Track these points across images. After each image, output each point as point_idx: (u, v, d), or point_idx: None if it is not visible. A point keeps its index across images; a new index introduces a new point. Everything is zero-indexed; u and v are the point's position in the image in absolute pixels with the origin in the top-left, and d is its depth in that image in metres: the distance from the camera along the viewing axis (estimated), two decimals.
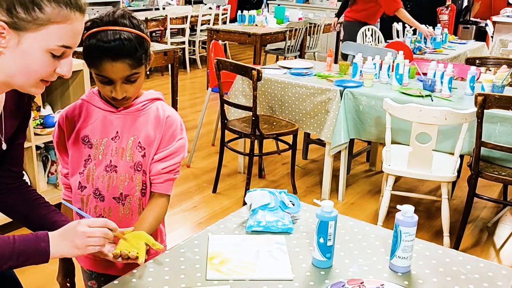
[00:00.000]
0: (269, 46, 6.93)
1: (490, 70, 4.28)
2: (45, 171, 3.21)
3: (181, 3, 9.56)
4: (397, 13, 5.20)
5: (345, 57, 4.72)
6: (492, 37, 7.01)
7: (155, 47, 4.18)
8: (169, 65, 4.94)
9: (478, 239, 3.19)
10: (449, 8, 8.04)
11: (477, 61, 4.05)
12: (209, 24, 7.46)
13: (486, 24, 7.34)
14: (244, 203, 1.66)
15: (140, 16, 5.03)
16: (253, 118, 3.27)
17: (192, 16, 7.37)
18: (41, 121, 3.03)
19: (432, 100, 3.12)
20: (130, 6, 8.80)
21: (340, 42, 5.95)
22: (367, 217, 3.36)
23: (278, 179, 3.95)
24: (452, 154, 2.89)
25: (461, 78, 3.80)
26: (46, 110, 3.12)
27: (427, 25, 5.34)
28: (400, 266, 1.34)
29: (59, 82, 3.11)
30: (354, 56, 3.76)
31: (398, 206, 1.34)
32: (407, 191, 3.63)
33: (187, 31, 7.39)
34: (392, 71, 3.41)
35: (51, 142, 2.33)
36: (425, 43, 5.27)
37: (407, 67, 3.44)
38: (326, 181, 3.57)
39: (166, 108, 1.48)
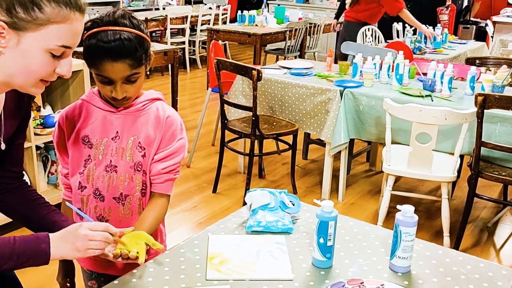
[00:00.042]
0: (269, 46, 6.93)
1: (490, 70, 4.28)
2: (45, 171, 3.21)
3: (181, 3, 9.56)
4: (400, 14, 5.20)
5: (343, 57, 4.71)
6: (492, 37, 7.00)
7: (155, 47, 4.18)
8: (169, 65, 4.94)
9: (478, 239, 3.19)
10: (449, 8, 8.04)
11: (477, 61, 4.05)
12: (209, 24, 7.46)
13: (486, 24, 7.34)
14: (244, 203, 1.66)
15: (140, 16, 5.03)
16: (253, 118, 3.27)
17: (192, 16, 7.38)
18: (41, 121, 3.03)
19: (432, 100, 3.12)
20: (130, 6, 8.79)
21: (335, 43, 5.94)
22: (367, 217, 3.36)
23: (278, 179, 3.95)
24: (452, 154, 2.89)
25: (461, 78, 3.80)
26: (46, 110, 3.12)
27: (427, 25, 5.34)
28: (400, 266, 1.34)
29: (59, 82, 3.11)
30: (354, 56, 3.76)
31: (398, 206, 1.34)
32: (407, 191, 3.63)
33: (187, 31, 7.39)
34: (392, 71, 3.41)
35: (51, 142, 2.33)
36: (425, 43, 5.27)
37: (407, 67, 3.44)
38: (326, 181, 3.57)
39: (166, 108, 1.48)
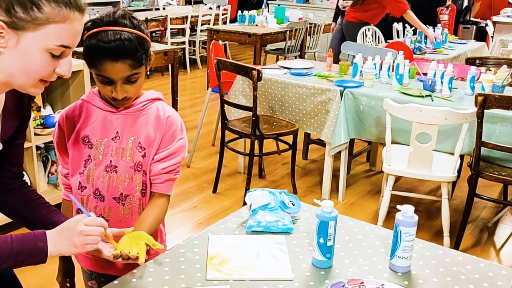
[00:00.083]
0: (269, 46, 6.93)
1: (490, 70, 4.28)
2: (45, 171, 3.21)
3: (181, 3, 9.56)
4: (405, 15, 5.18)
5: (336, 56, 4.71)
6: (492, 37, 7.00)
7: (155, 47, 4.18)
8: (169, 65, 4.95)
9: (478, 239, 3.19)
10: (449, 8, 8.04)
11: (477, 61, 4.05)
12: (209, 24, 7.46)
13: (486, 24, 7.34)
14: (244, 203, 1.66)
15: (140, 16, 5.02)
16: (253, 118, 3.27)
17: (192, 16, 7.38)
18: (41, 121, 3.03)
19: (432, 100, 3.12)
20: (130, 6, 8.80)
21: (329, 44, 5.94)
22: (367, 217, 3.36)
23: (278, 179, 3.95)
24: (452, 154, 2.89)
25: (461, 78, 3.80)
26: (46, 110, 3.12)
27: (427, 25, 5.34)
28: (400, 266, 1.34)
29: (59, 82, 3.11)
30: (354, 56, 3.76)
31: (398, 206, 1.34)
32: (407, 191, 3.63)
33: (187, 31, 7.39)
34: (392, 71, 3.41)
35: (51, 142, 2.34)
36: (425, 43, 5.27)
37: (407, 67, 3.44)
38: (326, 181, 3.57)
39: (166, 108, 1.48)
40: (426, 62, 3.86)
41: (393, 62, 3.45)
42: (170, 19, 7.03)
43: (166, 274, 1.30)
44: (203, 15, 7.56)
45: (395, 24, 6.06)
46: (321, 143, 3.80)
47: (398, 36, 6.02)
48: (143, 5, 9.07)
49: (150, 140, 1.44)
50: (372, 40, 5.50)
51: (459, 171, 3.02)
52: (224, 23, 7.87)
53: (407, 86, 3.38)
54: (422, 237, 2.11)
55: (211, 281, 1.27)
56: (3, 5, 1.03)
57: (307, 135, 4.25)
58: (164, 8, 8.18)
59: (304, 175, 4.04)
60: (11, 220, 1.44)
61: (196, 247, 1.43)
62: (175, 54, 4.35)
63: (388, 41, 5.42)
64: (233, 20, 7.89)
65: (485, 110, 2.67)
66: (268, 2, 9.11)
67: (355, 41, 5.11)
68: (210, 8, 8.00)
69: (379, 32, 5.58)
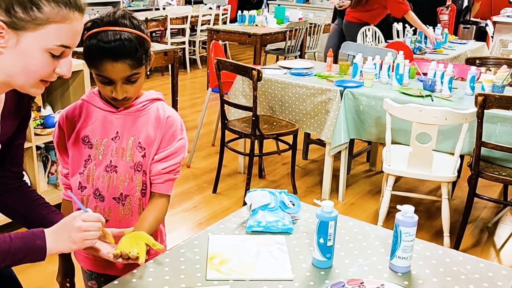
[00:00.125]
0: (269, 46, 6.93)
1: (490, 70, 4.28)
2: (45, 171, 3.21)
3: (181, 3, 9.56)
4: (406, 16, 5.18)
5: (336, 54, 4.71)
6: (492, 37, 7.00)
7: (155, 47, 4.18)
8: (169, 65, 4.94)
9: (478, 239, 3.19)
10: (449, 8, 8.04)
11: (477, 61, 4.05)
12: (209, 24, 7.46)
13: (486, 24, 7.34)
14: (244, 203, 1.66)
15: (140, 16, 5.04)
16: (253, 118, 3.27)
17: (192, 16, 7.38)
18: (41, 121, 3.03)
19: (432, 100, 3.12)
20: (130, 6, 8.80)
21: (326, 44, 5.95)
22: (367, 217, 3.36)
23: (278, 179, 3.95)
24: (452, 154, 2.89)
25: (461, 78, 3.80)
26: (46, 110, 3.12)
27: (427, 25, 5.34)
28: (400, 266, 1.34)
29: (59, 82, 3.11)
30: (354, 56, 3.76)
31: (398, 206, 1.34)
32: (407, 191, 3.63)
33: (187, 31, 7.39)
34: (392, 71, 3.41)
35: (51, 142, 2.34)
36: (425, 43, 5.27)
37: (407, 67, 3.44)
38: (326, 181, 3.57)
39: (166, 108, 1.48)
40: (426, 62, 3.86)
41: (393, 62, 3.45)
42: (170, 19, 7.03)
43: (166, 274, 1.30)
44: (203, 15, 7.56)
45: (395, 24, 6.06)
46: (321, 143, 3.80)
47: (398, 36, 6.02)
48: (143, 5, 9.07)
49: (150, 140, 1.44)
50: (372, 40, 5.50)
51: (459, 171, 3.02)
52: (224, 23, 7.88)
53: (407, 86, 3.38)
54: (422, 237, 2.11)
55: (211, 281, 1.27)
56: (3, 5, 1.03)
57: (307, 135, 4.25)
58: (164, 8, 8.19)
59: (304, 175, 4.04)
60: (11, 220, 1.44)
61: (196, 247, 1.43)
62: (175, 54, 4.35)
63: (388, 41, 5.42)
64: (233, 20, 7.89)
65: (485, 110, 2.67)
66: (268, 2, 9.11)
67: (355, 41, 5.11)
68: (210, 8, 8.00)
69: (379, 32, 5.58)
